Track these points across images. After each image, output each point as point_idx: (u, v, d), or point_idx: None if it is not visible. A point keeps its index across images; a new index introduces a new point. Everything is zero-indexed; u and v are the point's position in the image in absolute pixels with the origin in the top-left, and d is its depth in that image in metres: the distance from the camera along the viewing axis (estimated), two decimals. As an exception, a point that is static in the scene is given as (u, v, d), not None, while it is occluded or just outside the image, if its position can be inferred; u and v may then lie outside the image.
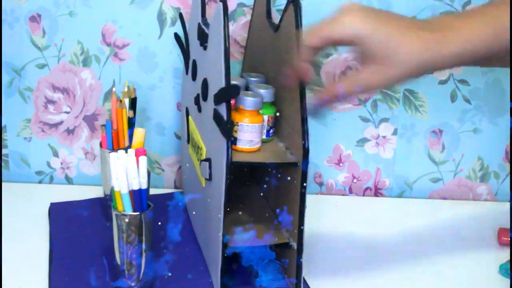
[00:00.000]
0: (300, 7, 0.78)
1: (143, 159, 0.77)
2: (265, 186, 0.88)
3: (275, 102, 0.86)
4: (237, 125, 0.80)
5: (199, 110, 0.87)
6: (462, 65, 0.74)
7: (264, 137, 0.85)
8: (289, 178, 0.81)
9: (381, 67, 0.71)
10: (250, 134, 0.81)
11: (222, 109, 0.76)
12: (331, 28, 0.72)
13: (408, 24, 0.71)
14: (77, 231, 0.95)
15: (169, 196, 1.07)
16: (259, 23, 0.94)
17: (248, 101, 0.81)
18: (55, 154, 1.12)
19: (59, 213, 1.00)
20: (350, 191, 1.15)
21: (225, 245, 0.78)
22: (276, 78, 0.84)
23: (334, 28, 0.72)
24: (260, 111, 0.82)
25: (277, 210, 0.85)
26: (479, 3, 0.96)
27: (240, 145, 0.81)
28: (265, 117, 0.84)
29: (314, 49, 0.74)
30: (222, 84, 0.75)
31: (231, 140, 0.76)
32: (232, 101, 0.80)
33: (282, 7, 1.01)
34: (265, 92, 0.84)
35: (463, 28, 0.71)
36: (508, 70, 1.07)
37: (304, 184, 0.78)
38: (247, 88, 0.87)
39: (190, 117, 0.94)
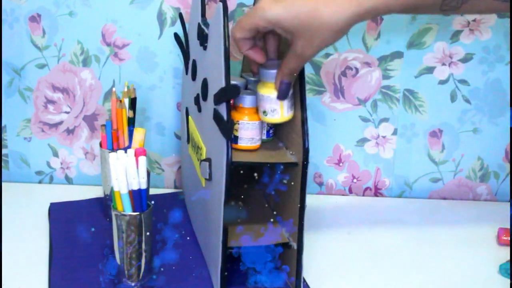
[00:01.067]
0: (300, 7, 0.78)
1: (142, 159, 0.77)
2: (265, 186, 0.88)
3: None
4: (238, 124, 0.81)
5: (199, 110, 0.87)
6: (390, 13, 0.75)
7: (264, 137, 0.85)
8: (289, 178, 0.81)
9: (306, 37, 0.73)
10: (251, 132, 0.81)
11: (222, 109, 0.76)
12: (251, 17, 0.74)
13: None
14: (77, 231, 0.95)
15: (169, 196, 1.07)
16: (259, 23, 0.94)
17: (247, 99, 0.81)
18: (55, 154, 1.12)
19: (59, 213, 1.00)
20: (350, 191, 1.15)
21: (225, 245, 0.78)
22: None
23: (253, 17, 0.74)
24: None
25: (278, 218, 0.85)
26: None
27: (241, 144, 0.81)
28: None
29: (245, 39, 0.76)
30: (222, 84, 0.75)
31: (232, 139, 0.76)
32: (231, 100, 0.80)
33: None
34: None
35: None
36: (508, 70, 1.08)
37: (304, 184, 0.78)
38: (246, 88, 0.87)
39: (190, 117, 0.94)
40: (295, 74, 0.78)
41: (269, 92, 0.79)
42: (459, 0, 0.72)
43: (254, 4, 0.86)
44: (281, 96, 0.79)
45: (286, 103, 0.80)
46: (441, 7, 0.73)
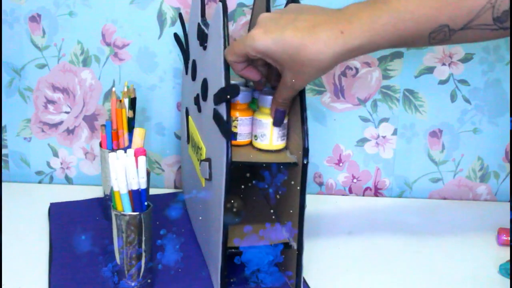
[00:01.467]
0: (300, 7, 0.78)
1: (142, 159, 0.77)
2: (265, 186, 0.88)
3: None
4: (237, 120, 0.81)
5: (199, 110, 0.87)
6: (373, 51, 0.75)
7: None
8: (289, 178, 0.81)
9: (293, 71, 0.74)
10: (249, 127, 0.82)
11: (222, 109, 0.76)
12: (242, 45, 0.75)
13: (313, 22, 0.72)
14: (77, 231, 0.95)
15: (169, 196, 1.07)
16: (259, 23, 0.94)
17: (244, 94, 0.81)
18: (55, 154, 1.12)
19: (59, 213, 1.00)
20: (350, 191, 1.15)
21: (225, 245, 0.78)
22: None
23: (243, 46, 0.75)
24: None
25: (278, 218, 0.85)
26: None
27: (241, 139, 0.82)
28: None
29: (237, 63, 0.77)
30: (222, 84, 0.75)
31: (232, 136, 0.76)
32: None
33: (282, 7, 1.01)
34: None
35: (369, 17, 0.72)
36: (508, 70, 1.08)
37: (304, 184, 0.78)
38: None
39: (190, 117, 0.94)
40: (288, 103, 0.79)
41: (262, 116, 0.81)
42: (446, 33, 0.72)
43: (249, 26, 0.87)
44: (276, 123, 0.80)
45: (276, 131, 0.81)
46: (429, 41, 0.73)
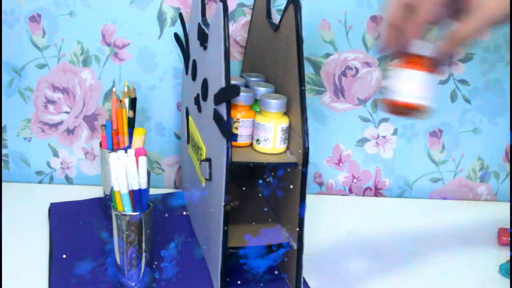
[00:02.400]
0: (300, 7, 0.78)
1: (142, 159, 0.77)
2: (265, 186, 0.88)
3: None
4: (238, 122, 0.81)
5: (199, 110, 0.87)
6: None
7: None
8: (289, 178, 0.81)
9: (474, 14, 0.69)
10: (250, 129, 0.82)
11: (222, 109, 0.76)
12: None
13: None
14: (77, 231, 0.95)
15: (169, 196, 1.07)
16: (259, 23, 0.94)
17: (245, 96, 0.81)
18: (55, 154, 1.12)
19: (59, 213, 1.00)
20: (350, 191, 1.15)
21: (225, 246, 0.78)
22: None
23: None
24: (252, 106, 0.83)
25: (278, 218, 0.85)
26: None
27: (241, 141, 0.82)
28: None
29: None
30: (222, 84, 0.75)
31: (232, 137, 0.76)
32: None
33: (282, 7, 1.01)
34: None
35: None
36: (508, 70, 1.08)
37: (304, 184, 0.78)
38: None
39: (190, 117, 0.94)
40: (465, 46, 0.72)
41: (265, 121, 0.80)
42: None
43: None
44: (440, 71, 0.74)
45: (280, 135, 0.80)
46: None
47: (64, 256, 0.88)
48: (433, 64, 0.73)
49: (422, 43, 0.73)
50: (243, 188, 0.92)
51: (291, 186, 0.80)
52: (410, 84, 0.74)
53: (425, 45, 0.73)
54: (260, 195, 0.94)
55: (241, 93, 0.80)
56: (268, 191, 0.91)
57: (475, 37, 0.71)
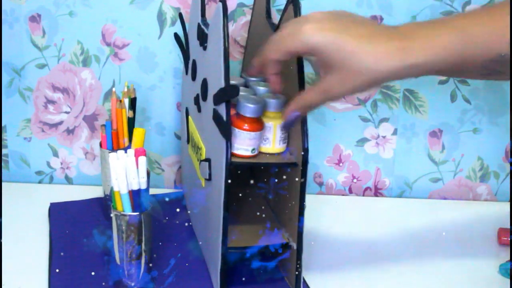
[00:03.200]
0: (300, 7, 0.78)
1: (142, 159, 0.77)
2: (265, 186, 0.88)
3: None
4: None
5: (199, 110, 0.87)
6: (428, 74, 0.71)
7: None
8: (289, 178, 0.81)
9: (341, 76, 0.69)
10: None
11: (222, 109, 0.76)
12: (290, 40, 0.71)
13: (371, 32, 0.69)
14: (77, 231, 0.95)
15: (169, 196, 1.07)
16: (259, 23, 0.94)
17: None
18: (55, 154, 1.12)
19: (59, 213, 1.00)
20: (350, 191, 1.15)
21: (225, 246, 0.78)
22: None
23: (292, 41, 0.71)
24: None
25: (278, 218, 0.85)
26: (479, 3, 0.96)
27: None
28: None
29: (277, 62, 0.74)
30: (222, 84, 0.75)
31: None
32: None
33: (282, 7, 1.01)
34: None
35: (428, 36, 0.68)
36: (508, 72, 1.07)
37: (304, 184, 0.78)
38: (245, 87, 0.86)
39: (190, 117, 0.94)
40: (311, 110, 0.75)
41: (265, 121, 0.79)
42: (502, 63, 0.68)
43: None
44: (286, 127, 0.77)
45: (279, 135, 0.80)
46: (481, 70, 0.70)
47: (62, 253, 0.88)
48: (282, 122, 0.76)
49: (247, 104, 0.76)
50: (243, 188, 0.92)
51: (292, 183, 0.80)
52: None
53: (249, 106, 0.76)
54: (259, 195, 0.94)
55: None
56: (268, 191, 0.91)
57: (320, 103, 0.74)
